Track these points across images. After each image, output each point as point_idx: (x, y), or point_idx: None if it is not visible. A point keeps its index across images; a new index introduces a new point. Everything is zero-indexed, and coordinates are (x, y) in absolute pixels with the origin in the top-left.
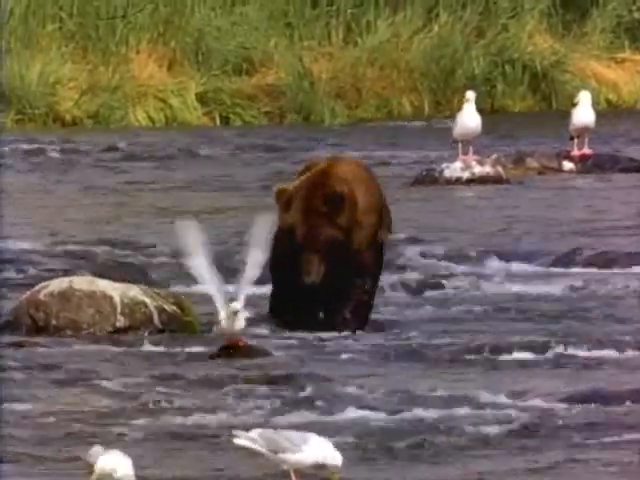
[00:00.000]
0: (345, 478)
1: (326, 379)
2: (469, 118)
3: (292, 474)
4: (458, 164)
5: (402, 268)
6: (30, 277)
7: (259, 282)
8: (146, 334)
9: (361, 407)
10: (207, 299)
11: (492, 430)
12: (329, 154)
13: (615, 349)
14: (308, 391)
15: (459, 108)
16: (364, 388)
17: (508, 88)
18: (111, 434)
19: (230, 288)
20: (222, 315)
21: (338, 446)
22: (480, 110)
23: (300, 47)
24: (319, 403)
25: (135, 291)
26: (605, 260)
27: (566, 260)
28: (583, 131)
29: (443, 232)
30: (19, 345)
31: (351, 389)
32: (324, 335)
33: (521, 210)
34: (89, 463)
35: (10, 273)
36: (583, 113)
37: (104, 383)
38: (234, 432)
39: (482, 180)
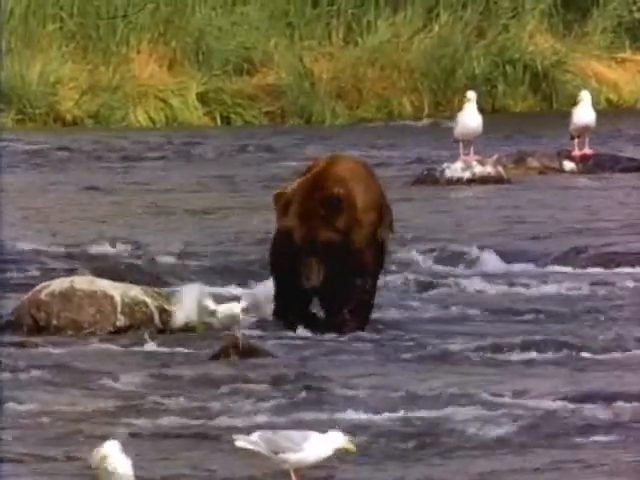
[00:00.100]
0: (346, 478)
1: (326, 379)
2: (470, 118)
3: (292, 474)
4: (459, 164)
5: (402, 268)
6: (31, 277)
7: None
8: (147, 334)
9: (361, 407)
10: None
11: (493, 430)
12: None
13: (615, 349)
14: (308, 391)
15: (460, 108)
16: (364, 388)
17: (509, 88)
18: (111, 434)
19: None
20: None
21: (337, 453)
22: (481, 110)
23: (301, 47)
24: (319, 403)
25: (136, 291)
26: (606, 260)
27: (566, 260)
28: (584, 131)
29: (444, 232)
30: (20, 345)
31: (351, 389)
32: (324, 335)
33: (522, 210)
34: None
35: (11, 273)
36: (583, 113)
37: (105, 383)
38: (234, 436)
39: (483, 180)
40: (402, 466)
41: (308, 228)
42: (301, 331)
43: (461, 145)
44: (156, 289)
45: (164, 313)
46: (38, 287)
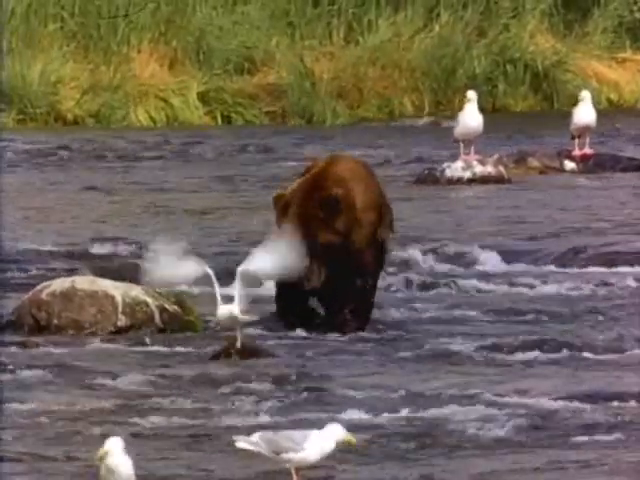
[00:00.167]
0: (346, 478)
1: (327, 379)
2: (471, 118)
3: (293, 473)
4: (460, 164)
5: (403, 268)
6: (31, 277)
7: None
8: (147, 333)
9: (362, 407)
10: (207, 299)
11: (493, 430)
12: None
13: (616, 349)
14: (309, 391)
15: (460, 108)
16: (365, 388)
17: (509, 88)
18: (112, 433)
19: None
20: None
21: (338, 446)
22: (482, 110)
23: (301, 46)
24: (320, 403)
25: (136, 291)
26: (606, 260)
27: (567, 260)
28: (584, 131)
29: (444, 232)
30: (21, 344)
31: (352, 389)
32: (325, 335)
33: (522, 210)
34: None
35: (12, 273)
36: (584, 113)
37: (105, 382)
38: (234, 437)
39: (483, 180)
40: (402, 466)
41: (307, 230)
42: (302, 331)
43: (462, 145)
44: (157, 288)
45: (165, 313)
46: (39, 287)
